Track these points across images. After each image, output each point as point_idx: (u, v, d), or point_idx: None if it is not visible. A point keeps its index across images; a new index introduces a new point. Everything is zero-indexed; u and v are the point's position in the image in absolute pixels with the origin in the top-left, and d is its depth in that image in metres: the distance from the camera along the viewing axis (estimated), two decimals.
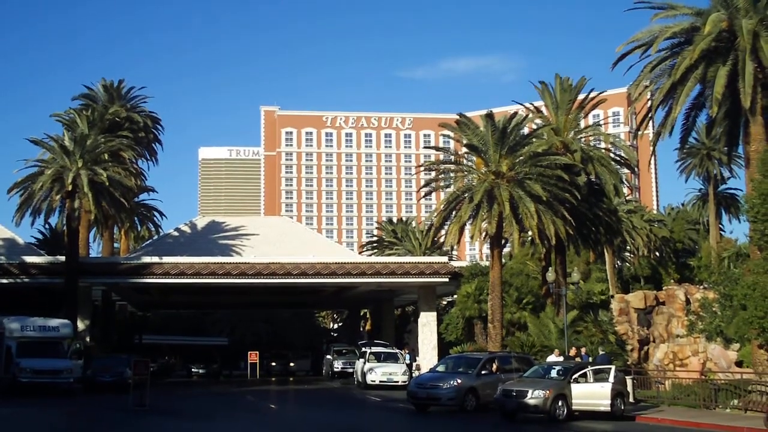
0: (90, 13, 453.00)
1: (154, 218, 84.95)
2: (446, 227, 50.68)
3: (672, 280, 75.33)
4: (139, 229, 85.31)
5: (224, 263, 58.45)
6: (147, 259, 59.20)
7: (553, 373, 32.63)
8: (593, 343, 44.95)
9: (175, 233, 76.26)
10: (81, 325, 55.43)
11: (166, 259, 58.21)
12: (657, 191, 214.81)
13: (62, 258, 56.43)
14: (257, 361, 69.79)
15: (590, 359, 38.74)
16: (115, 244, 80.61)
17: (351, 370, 58.31)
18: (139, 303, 77.26)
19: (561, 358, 38.75)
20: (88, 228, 67.02)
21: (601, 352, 39.65)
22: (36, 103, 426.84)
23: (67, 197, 54.56)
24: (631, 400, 34.97)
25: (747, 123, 37.85)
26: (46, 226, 77.69)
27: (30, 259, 57.88)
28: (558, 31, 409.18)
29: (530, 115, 52.49)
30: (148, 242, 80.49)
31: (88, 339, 56.10)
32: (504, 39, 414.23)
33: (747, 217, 35.45)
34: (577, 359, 38.78)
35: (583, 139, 52.96)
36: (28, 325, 43.54)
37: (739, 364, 41.92)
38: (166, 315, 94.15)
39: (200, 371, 77.81)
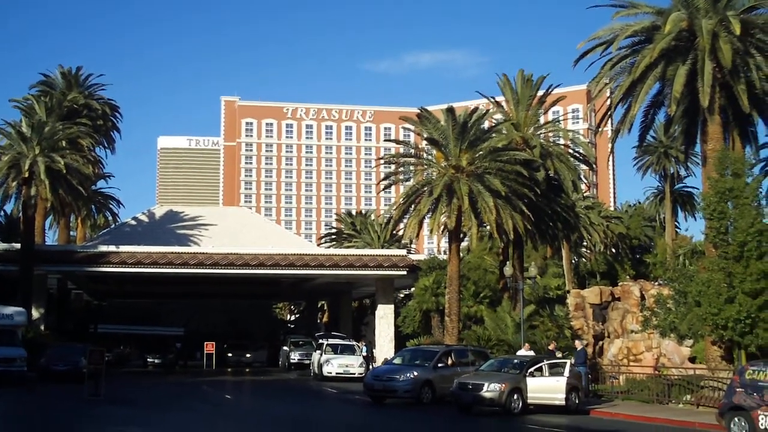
0: (51, 3, 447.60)
1: (111, 207, 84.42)
2: (405, 220, 50.70)
3: (627, 276, 76.08)
4: (96, 217, 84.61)
5: (182, 253, 58.12)
6: (104, 248, 58.70)
7: (509, 367, 32.87)
8: (549, 337, 45.30)
9: (133, 222, 75.71)
10: (36, 313, 54.84)
11: (123, 248, 57.79)
12: (615, 188, 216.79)
13: (17, 245, 55.70)
14: (213, 351, 69.49)
15: (558, 354, 39.34)
16: (72, 233, 79.87)
17: (308, 362, 58.16)
18: (95, 292, 76.58)
19: (531, 352, 39.32)
20: (45, 215, 66.27)
21: (579, 347, 40.06)
22: None
23: (24, 184, 53.97)
24: (585, 394, 35.32)
25: (705, 122, 38.24)
26: (2, 213, 76.85)
27: None
28: (521, 27, 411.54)
29: (491, 110, 52.72)
30: (105, 231, 79.82)
31: (42, 327, 55.54)
32: (468, 34, 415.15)
33: (703, 214, 35.89)
34: (558, 354, 39.42)
35: (542, 135, 53.15)
36: None
37: (692, 360, 42.35)
38: (122, 304, 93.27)
39: (156, 361, 77.29)
